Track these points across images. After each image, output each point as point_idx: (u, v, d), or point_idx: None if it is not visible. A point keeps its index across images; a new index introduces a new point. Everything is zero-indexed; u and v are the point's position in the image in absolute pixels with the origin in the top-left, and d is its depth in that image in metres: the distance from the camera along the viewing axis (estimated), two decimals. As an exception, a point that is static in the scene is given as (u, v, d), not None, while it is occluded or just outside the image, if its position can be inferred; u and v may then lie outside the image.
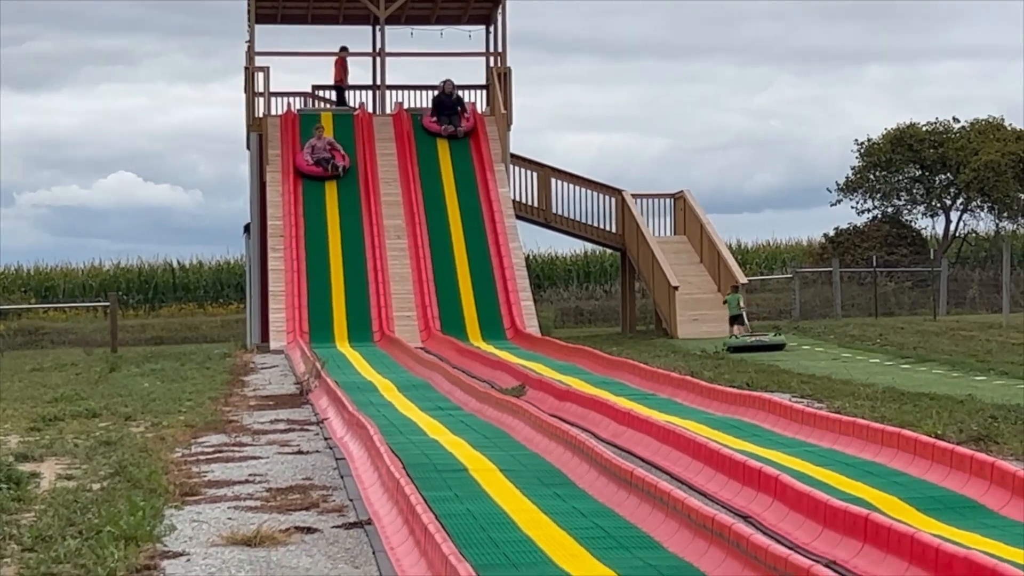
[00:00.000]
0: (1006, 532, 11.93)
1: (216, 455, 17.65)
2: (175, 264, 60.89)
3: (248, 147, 43.27)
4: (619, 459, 14.82)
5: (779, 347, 35.39)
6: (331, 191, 41.52)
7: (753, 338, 35.59)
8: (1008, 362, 29.02)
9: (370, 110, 44.58)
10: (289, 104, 44.25)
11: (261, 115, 42.70)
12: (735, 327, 37.12)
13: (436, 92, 43.75)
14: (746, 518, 12.42)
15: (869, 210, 58.39)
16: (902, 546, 10.53)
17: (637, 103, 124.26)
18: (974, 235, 58.15)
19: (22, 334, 49.07)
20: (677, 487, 13.37)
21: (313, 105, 45.63)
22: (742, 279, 41.75)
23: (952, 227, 58.29)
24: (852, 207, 58.90)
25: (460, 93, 43.90)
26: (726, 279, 41.61)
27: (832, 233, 57.82)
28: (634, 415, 18.98)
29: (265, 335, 38.80)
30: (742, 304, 38.33)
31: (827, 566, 9.76)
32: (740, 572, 10.20)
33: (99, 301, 50.31)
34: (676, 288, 40.20)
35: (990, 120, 57.16)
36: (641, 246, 43.13)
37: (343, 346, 36.02)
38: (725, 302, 38.47)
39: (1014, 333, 37.30)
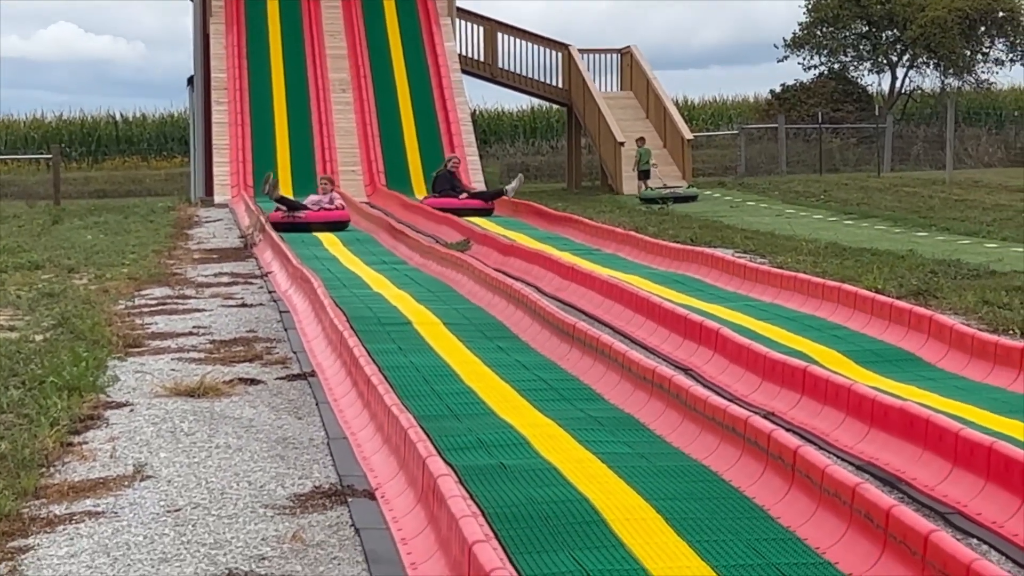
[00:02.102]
0: (942, 384, 12.12)
1: (160, 307, 17.69)
2: (118, 117, 60.44)
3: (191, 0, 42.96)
4: (562, 313, 14.94)
5: (692, 198, 36.52)
6: (275, 44, 41.29)
7: (667, 190, 36.19)
8: (950, 218, 29.28)
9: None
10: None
11: (205, -33, 42.35)
12: (643, 183, 37.59)
13: None
14: (687, 371, 12.56)
15: (816, 66, 58.53)
16: (839, 398, 10.70)
17: None
18: (919, 92, 58.23)
19: (-36, 187, 48.82)
20: (619, 340, 13.50)
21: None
22: (688, 135, 41.88)
23: (898, 84, 58.46)
24: (799, 63, 59.08)
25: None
26: (672, 135, 41.73)
27: (778, 89, 57.90)
28: (578, 270, 19.08)
29: (209, 189, 38.69)
30: (651, 160, 38.65)
31: (765, 417, 9.90)
32: (679, 423, 10.34)
33: (41, 153, 50.02)
34: (622, 144, 40.24)
35: (937, -22, 57.19)
36: (587, 102, 43.13)
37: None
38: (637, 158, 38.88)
39: (957, 189, 37.59)
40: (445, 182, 32.18)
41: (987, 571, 6.39)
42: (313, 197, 29.35)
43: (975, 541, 7.84)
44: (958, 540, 7.10)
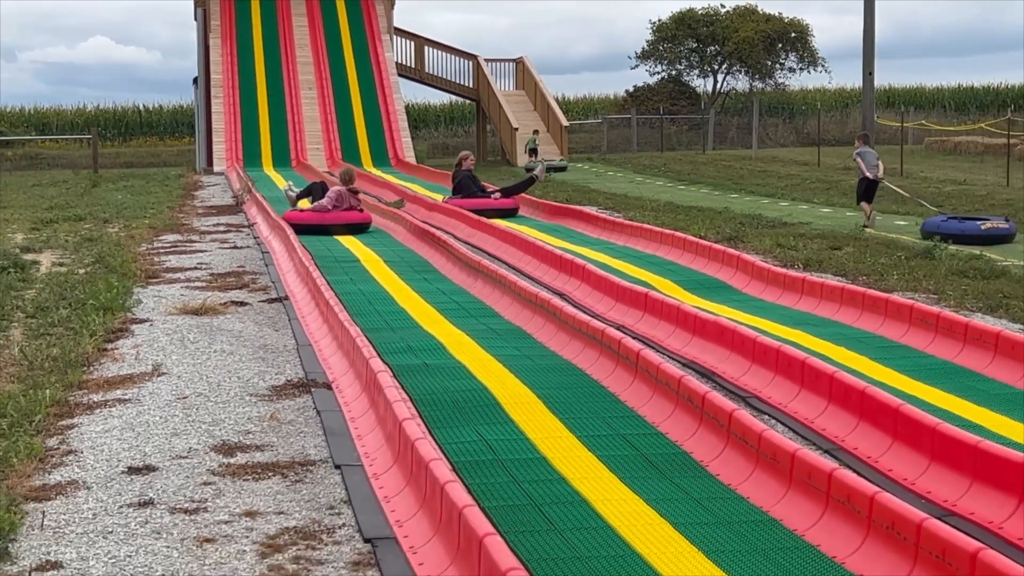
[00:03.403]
0: (746, 304, 12.25)
1: (172, 249, 17.58)
2: (141, 108, 59.72)
3: (196, 19, 42.54)
4: (471, 253, 14.96)
5: (563, 168, 36.82)
6: (259, 53, 41.10)
7: (544, 162, 36.70)
8: (755, 184, 29.52)
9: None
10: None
11: (205, -5, 42.21)
12: (531, 157, 38.18)
13: None
14: (560, 295, 12.62)
15: (658, 73, 58.62)
16: (671, 314, 10.80)
17: None
18: (734, 91, 58.41)
19: (25, 159, 48.19)
20: (512, 272, 13.55)
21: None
22: (565, 123, 41.87)
23: (718, 86, 58.69)
24: (646, 71, 59.08)
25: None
26: (553, 123, 41.78)
27: (631, 89, 57.99)
28: (482, 222, 19.09)
29: (210, 161, 38.40)
30: (537, 142, 39.14)
31: (617, 328, 9.99)
32: (555, 333, 10.39)
33: (84, 135, 49.19)
34: (516, 129, 40.34)
35: (747, 6, 57.48)
36: (491, 98, 43.09)
37: (268, 169, 35.85)
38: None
39: (760, 163, 37.87)
40: (470, 183, 22.26)
41: (774, 439, 6.50)
42: (333, 192, 19.96)
43: (767, 417, 7.96)
44: (754, 415, 7.23)
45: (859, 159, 20.40)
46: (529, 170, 35.48)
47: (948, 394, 8.37)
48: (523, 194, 23.45)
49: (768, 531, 5.81)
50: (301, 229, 18.13)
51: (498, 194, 22.29)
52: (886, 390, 7.76)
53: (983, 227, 17.37)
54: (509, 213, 21.41)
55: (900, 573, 5.09)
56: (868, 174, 19.97)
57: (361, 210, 19.78)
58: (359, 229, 19.29)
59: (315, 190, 20.89)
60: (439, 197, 24.75)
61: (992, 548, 4.85)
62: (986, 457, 6.19)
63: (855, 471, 6.45)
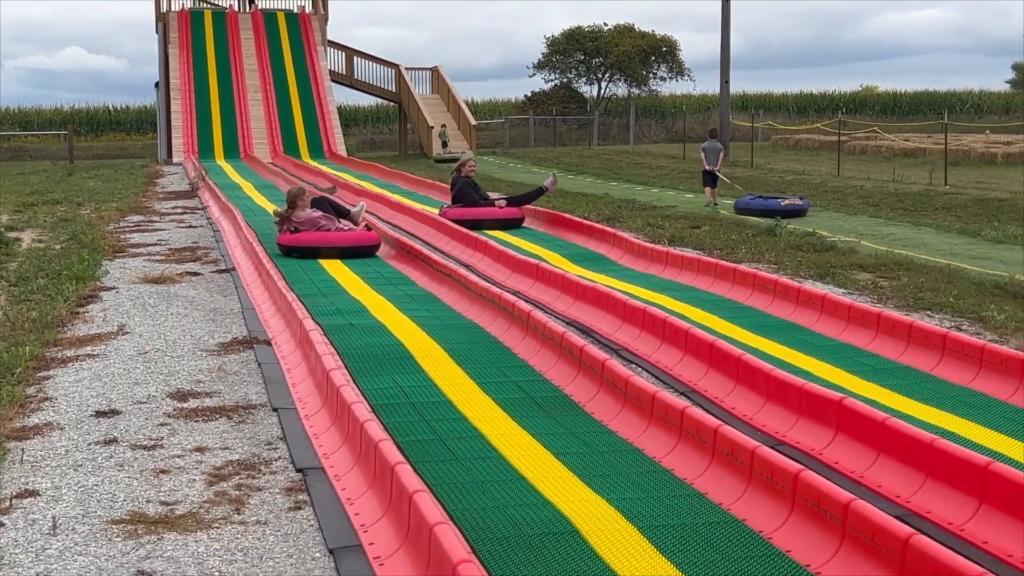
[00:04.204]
0: (620, 273, 12.33)
1: (136, 228, 17.31)
2: (111, 107, 58.55)
3: (157, 32, 41.84)
4: (393, 232, 14.94)
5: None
6: (211, 61, 40.52)
7: (452, 154, 37.06)
8: (631, 174, 29.69)
9: (236, 9, 43.23)
10: (183, 3, 42.63)
11: (165, 11, 41.40)
12: (443, 147, 38.30)
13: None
14: (467, 267, 12.64)
15: (552, 80, 58.65)
16: (557, 281, 10.86)
17: (412, 8, 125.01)
18: (615, 96, 58.61)
19: (9, 152, 47.08)
20: (425, 247, 13.54)
21: (198, 4, 43.88)
22: (473, 122, 41.85)
23: (602, 92, 58.81)
24: (542, 78, 59.14)
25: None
26: (464, 122, 41.70)
27: (529, 94, 57.94)
28: (403, 205, 19.02)
29: (169, 153, 37.88)
30: (447, 135, 39.29)
31: (513, 293, 10.04)
32: (461, 298, 10.42)
33: (61, 131, 48.16)
34: (432, 127, 40.18)
35: (626, 25, 57.70)
36: (411, 101, 42.81)
37: (220, 161, 35.37)
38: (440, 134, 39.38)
39: (636, 156, 38.06)
40: (471, 190, 16.79)
41: (639, 383, 6.59)
42: (304, 218, 13.79)
43: (634, 366, 8.02)
44: (623, 364, 7.32)
45: (702, 153, 21.16)
46: (442, 160, 35.84)
47: (782, 346, 8.52)
48: (436, 182, 23.41)
49: (631, 458, 5.91)
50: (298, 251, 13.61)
51: (503, 202, 16.80)
52: (731, 343, 7.89)
53: (782, 203, 18.30)
54: (514, 224, 16.44)
55: (738, 488, 5.21)
56: (706, 166, 20.70)
57: (369, 228, 14.22)
58: (364, 252, 13.66)
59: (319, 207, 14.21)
60: (368, 185, 24.62)
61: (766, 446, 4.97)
62: (809, 396, 6.34)
63: (705, 409, 6.56)
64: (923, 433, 5.50)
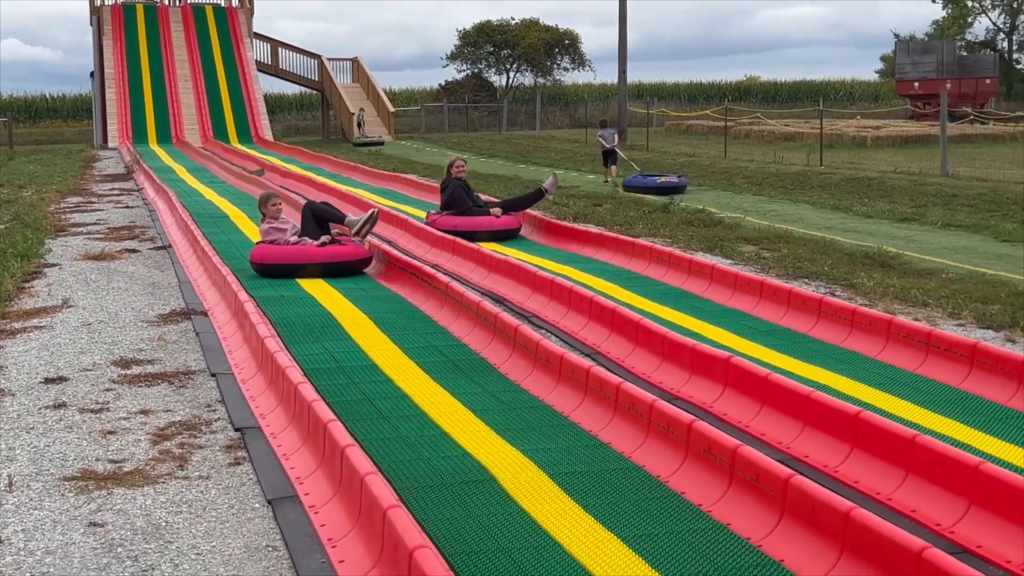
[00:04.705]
0: (529, 248, 12.33)
1: (76, 208, 17.02)
2: (48, 96, 57.13)
3: (91, 24, 40.93)
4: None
5: (380, 143, 36.81)
6: (143, 51, 39.88)
7: (368, 138, 37.07)
8: (538, 157, 29.77)
9: (167, 4, 42.45)
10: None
11: (99, 4, 40.53)
12: (361, 131, 38.23)
13: None
14: (389, 242, 12.60)
15: (464, 70, 58.45)
16: (472, 255, 10.90)
17: (332, 2, 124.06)
18: (522, 86, 58.59)
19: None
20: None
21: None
22: (391, 108, 41.69)
23: (510, 81, 58.76)
24: (455, 69, 58.95)
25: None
26: (382, 109, 41.47)
27: (443, 83, 57.70)
28: (327, 185, 18.94)
29: (105, 139, 37.20)
30: (364, 119, 39.29)
31: (432, 266, 10.06)
32: (384, 272, 10.42)
33: (1, 118, 46.99)
34: (352, 113, 39.87)
35: (531, 19, 57.71)
36: (332, 89, 42.45)
37: (153, 145, 34.85)
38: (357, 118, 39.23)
39: (542, 141, 38.15)
40: (464, 196, 13.15)
41: (548, 347, 6.69)
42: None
43: (543, 331, 8.09)
44: (533, 329, 7.40)
45: (600, 138, 22.33)
46: (361, 144, 35.66)
47: (676, 311, 8.67)
48: (358, 164, 23.31)
49: (542, 413, 6.00)
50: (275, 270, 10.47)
51: (498, 210, 13.25)
52: (630, 309, 8.02)
53: (659, 181, 19.05)
54: (510, 234, 13.07)
55: (637, 438, 5.34)
56: (606, 145, 21.78)
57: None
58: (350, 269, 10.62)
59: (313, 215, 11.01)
60: (294, 168, 24.39)
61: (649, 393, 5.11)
62: (700, 356, 6.49)
63: (608, 369, 6.67)
64: (801, 386, 5.67)
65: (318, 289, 9.79)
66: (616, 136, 22.54)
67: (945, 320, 8.20)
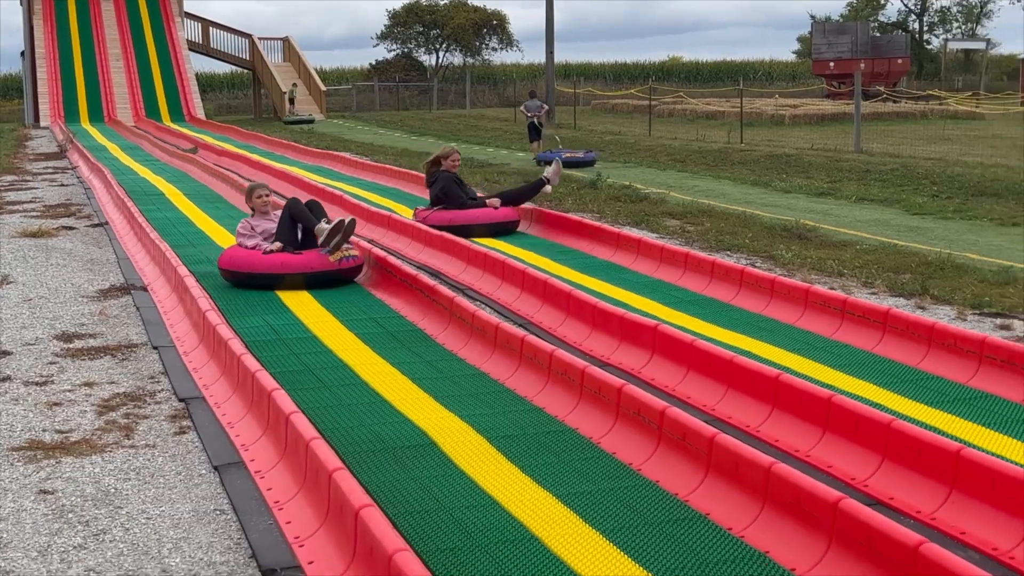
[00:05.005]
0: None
1: (10, 187, 16.72)
2: (-22, 76, 56.19)
3: (21, 4, 40.05)
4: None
5: (310, 121, 36.59)
6: (74, 31, 39.14)
7: (299, 116, 36.87)
8: (469, 135, 29.75)
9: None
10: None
11: (28, -17, 39.81)
12: (292, 107, 38.22)
13: None
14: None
15: (394, 50, 58.19)
16: (408, 230, 10.95)
17: None
18: (452, 65, 58.43)
19: None
20: (279, 198, 13.43)
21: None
22: (323, 88, 41.43)
23: (440, 60, 58.62)
24: (385, 48, 58.70)
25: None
26: (314, 88, 41.15)
27: (374, 63, 57.34)
28: (262, 163, 18.79)
29: (37, 118, 36.46)
30: (296, 95, 39.08)
31: (368, 241, 10.06)
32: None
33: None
34: (284, 92, 39.49)
35: (460, 0, 57.55)
36: (264, 68, 41.99)
37: (86, 124, 34.23)
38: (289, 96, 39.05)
39: (472, 119, 38.11)
40: (457, 190, 11.53)
41: (484, 316, 6.77)
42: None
43: (479, 302, 8.15)
44: (469, 300, 7.48)
45: (523, 108, 23.04)
46: (290, 122, 35.36)
47: (605, 283, 8.80)
48: (292, 143, 23.11)
49: (479, 381, 6.08)
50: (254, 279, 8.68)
51: (496, 201, 11.62)
52: (561, 281, 8.13)
53: (564, 155, 19.23)
54: (509, 228, 11.48)
55: (570, 403, 5.45)
56: (528, 115, 22.31)
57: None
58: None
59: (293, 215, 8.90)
60: (228, 146, 24.13)
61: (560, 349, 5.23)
62: (629, 324, 6.62)
63: (541, 338, 6.78)
64: (724, 352, 5.82)
65: (256, 264, 9.76)
66: (542, 109, 22.78)
67: (859, 289, 8.43)
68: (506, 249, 10.22)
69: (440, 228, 10.66)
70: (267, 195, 9.04)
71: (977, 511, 4.10)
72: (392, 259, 8.66)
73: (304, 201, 9.05)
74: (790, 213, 12.90)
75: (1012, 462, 4.33)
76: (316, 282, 8.56)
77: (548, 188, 12.10)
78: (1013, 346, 5.86)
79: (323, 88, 41.21)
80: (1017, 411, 5.41)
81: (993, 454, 4.63)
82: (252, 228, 8.90)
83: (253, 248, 8.73)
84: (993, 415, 5.35)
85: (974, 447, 4.37)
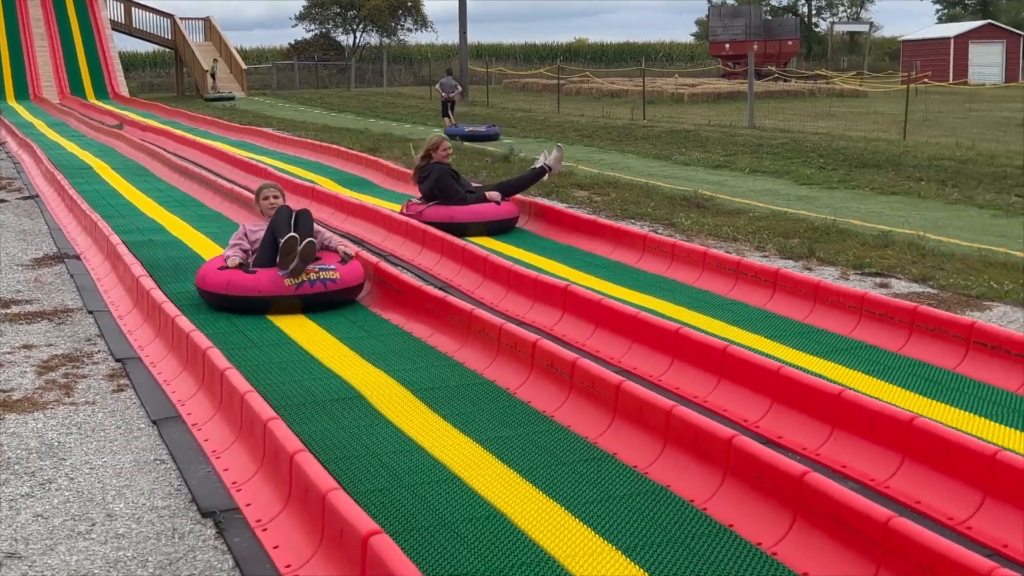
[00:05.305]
0: (383, 194, 12.39)
1: (-62, 162, 16.30)
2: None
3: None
4: (177, 160, 14.60)
5: (231, 98, 36.09)
6: (-1, 11, 38.12)
7: (220, 93, 36.36)
8: (387, 112, 29.56)
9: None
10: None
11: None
12: (212, 81, 37.73)
13: None
14: (244, 187, 12.48)
15: (313, 30, 57.33)
16: (331, 201, 10.92)
17: None
18: (369, 45, 57.85)
19: None
20: (206, 172, 13.32)
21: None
22: (244, 66, 40.76)
23: (357, 40, 57.95)
24: (304, 29, 57.84)
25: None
26: (235, 66, 40.45)
27: (293, 43, 56.55)
28: (187, 138, 18.52)
29: (-39, 96, 35.52)
30: (216, 71, 38.57)
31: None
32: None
33: None
34: (206, 71, 38.78)
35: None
36: (186, 47, 41.21)
37: (11, 102, 33.31)
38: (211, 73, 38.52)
39: (389, 97, 37.81)
40: (454, 183, 9.75)
41: (408, 280, 6.83)
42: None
43: (400, 268, 8.23)
44: (390, 266, 7.52)
45: (439, 86, 23.54)
46: (211, 99, 34.70)
47: (518, 248, 8.89)
48: (216, 119, 22.75)
49: (402, 339, 6.15)
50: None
51: (496, 194, 9.82)
52: (476, 246, 8.21)
53: (467, 130, 19.98)
54: (509, 224, 9.73)
55: (488, 358, 5.56)
56: (443, 94, 22.91)
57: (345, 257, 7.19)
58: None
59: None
60: (152, 123, 23.69)
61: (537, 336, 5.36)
62: (542, 285, 6.74)
63: (459, 297, 6.87)
64: (629, 309, 5.98)
65: (184, 233, 9.69)
66: (457, 87, 22.98)
67: (752, 252, 8.67)
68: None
69: (437, 225, 9.07)
70: (275, 197, 7.12)
71: (857, 447, 4.32)
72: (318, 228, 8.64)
73: (297, 209, 7.02)
74: (689, 184, 13.14)
75: (888, 403, 4.55)
76: (287, 308, 6.68)
77: (546, 177, 10.53)
78: (890, 301, 6.11)
79: (244, 67, 40.58)
80: (893, 359, 5.66)
81: (871, 396, 4.85)
82: (245, 235, 7.10)
83: (227, 259, 6.89)
84: (872, 363, 5.60)
85: (854, 391, 4.58)
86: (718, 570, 3.39)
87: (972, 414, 4.82)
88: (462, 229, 9.34)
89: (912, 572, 3.10)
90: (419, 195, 10.00)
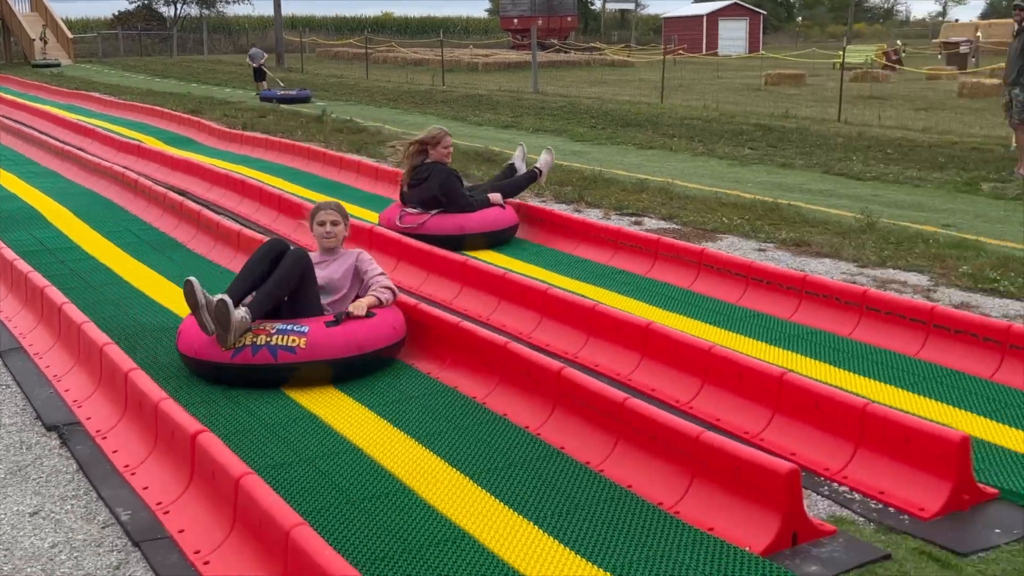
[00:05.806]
0: (207, 151, 12.06)
1: None
2: None
3: None
4: (9, 122, 13.81)
5: (57, 65, 34.05)
6: None
7: (47, 60, 34.50)
8: (207, 77, 28.41)
9: None
10: None
11: None
12: (45, 47, 35.45)
13: None
14: (79, 148, 11.96)
15: (136, 2, 54.23)
16: (157, 158, 10.63)
17: None
18: (190, 16, 55.15)
19: None
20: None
21: None
22: (70, 35, 38.40)
23: (178, 12, 55.24)
24: (127, 1, 54.93)
25: None
26: (62, 35, 38.11)
27: (116, 13, 53.42)
28: (17, 102, 17.44)
29: None
30: (46, 36, 36.28)
31: (123, 168, 9.73)
32: (79, 173, 10.01)
33: None
34: (34, 39, 36.41)
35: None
36: (12, 17, 38.42)
37: None
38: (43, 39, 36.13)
39: (209, 64, 36.33)
40: (461, 186, 6.96)
41: (226, 224, 6.80)
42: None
43: (222, 216, 8.14)
44: (217, 213, 7.44)
45: (249, 58, 22.96)
46: (38, 65, 32.36)
47: (335, 198, 8.95)
48: (88, 93, 21.42)
49: (229, 278, 6.15)
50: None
51: (498, 196, 7.24)
52: (299, 198, 8.22)
53: (278, 93, 19.71)
54: (511, 234, 7.19)
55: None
56: (252, 64, 22.35)
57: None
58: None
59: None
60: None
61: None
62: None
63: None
64: (538, 284, 5.29)
65: (19, 188, 9.27)
66: (264, 56, 22.50)
67: (532, 198, 9.01)
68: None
69: (443, 238, 6.80)
70: (335, 224, 4.74)
71: (664, 372, 4.26)
72: (144, 181, 8.45)
73: (295, 247, 4.57)
74: (481, 141, 13.39)
75: (631, 313, 4.81)
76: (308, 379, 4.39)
77: (542, 179, 7.87)
78: (639, 235, 6.56)
79: (70, 36, 38.20)
80: (643, 282, 6.09)
81: (618, 309, 5.06)
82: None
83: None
84: (623, 284, 6.02)
85: (605, 305, 4.93)
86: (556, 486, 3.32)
87: (703, 322, 5.25)
88: (458, 241, 6.87)
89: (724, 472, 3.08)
90: (399, 199, 7.22)
